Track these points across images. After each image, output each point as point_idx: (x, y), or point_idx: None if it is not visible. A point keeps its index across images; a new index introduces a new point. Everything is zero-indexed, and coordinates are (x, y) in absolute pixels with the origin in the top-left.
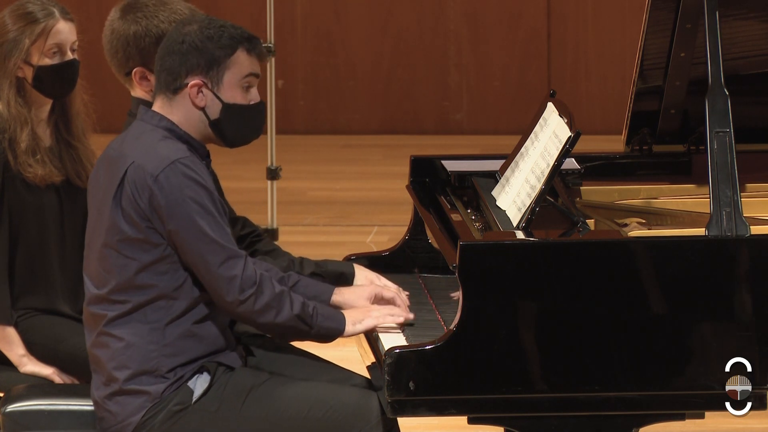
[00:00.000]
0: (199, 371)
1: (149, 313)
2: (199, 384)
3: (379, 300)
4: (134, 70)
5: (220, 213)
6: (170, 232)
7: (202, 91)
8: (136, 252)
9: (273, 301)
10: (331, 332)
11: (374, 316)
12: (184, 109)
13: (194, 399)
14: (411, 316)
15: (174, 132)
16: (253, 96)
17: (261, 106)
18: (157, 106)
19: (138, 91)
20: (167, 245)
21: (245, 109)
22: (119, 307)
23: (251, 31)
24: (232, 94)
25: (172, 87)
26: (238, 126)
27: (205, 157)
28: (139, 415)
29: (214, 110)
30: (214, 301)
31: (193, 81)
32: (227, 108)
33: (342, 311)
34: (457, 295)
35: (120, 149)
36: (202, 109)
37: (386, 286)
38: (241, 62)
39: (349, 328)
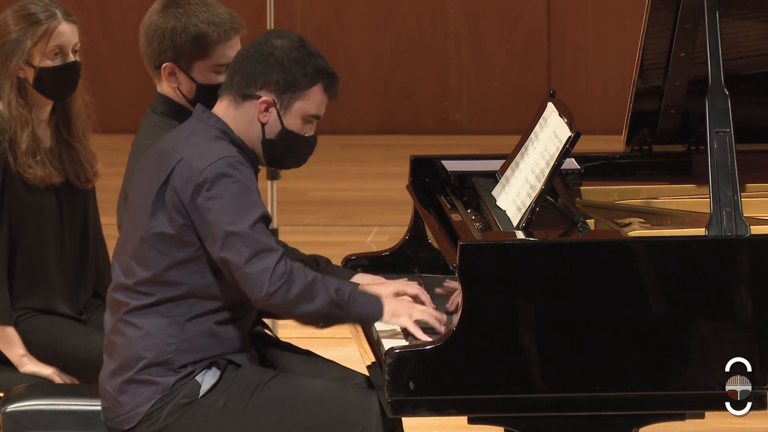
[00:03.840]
0: (209, 366)
1: (172, 308)
2: (207, 379)
3: (403, 296)
4: (164, 64)
5: (263, 216)
6: (209, 223)
7: (269, 110)
8: (169, 248)
9: (306, 288)
10: (369, 318)
11: (413, 317)
12: (248, 118)
13: (201, 393)
14: (442, 330)
15: (228, 135)
16: (309, 129)
17: (314, 141)
18: (221, 107)
19: (164, 87)
20: (200, 246)
21: (300, 139)
22: (143, 298)
23: (250, 30)
24: (294, 123)
25: (242, 92)
26: (287, 152)
27: (254, 165)
28: (148, 406)
29: (273, 131)
30: (248, 297)
31: (265, 97)
32: (285, 133)
33: (382, 298)
34: (451, 301)
35: (172, 146)
36: (263, 124)
37: (408, 282)
38: (315, 98)
39: (386, 318)
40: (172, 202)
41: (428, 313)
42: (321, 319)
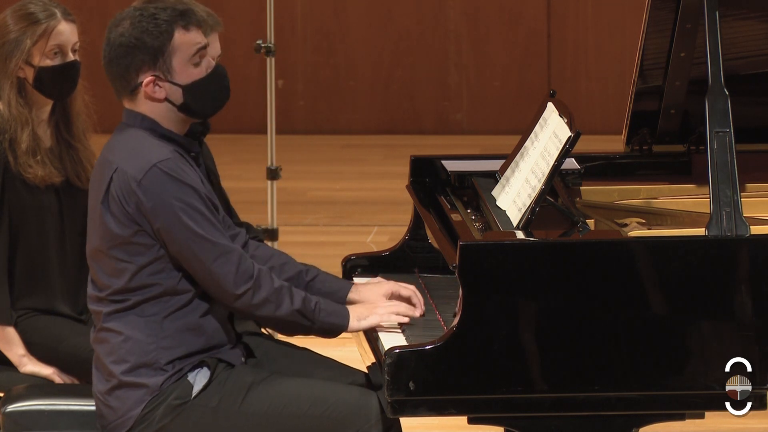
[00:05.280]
0: (199, 366)
1: (147, 308)
2: (199, 379)
3: (397, 297)
4: None
5: (209, 208)
6: (159, 232)
7: (158, 84)
8: (131, 255)
9: (271, 295)
10: (334, 328)
11: (379, 314)
12: (149, 106)
13: (194, 394)
14: (417, 314)
15: (156, 131)
16: (207, 65)
17: (219, 69)
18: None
19: None
20: (160, 246)
21: (205, 81)
22: (118, 305)
23: (250, 30)
24: (187, 74)
25: (128, 90)
26: (205, 99)
27: (194, 149)
28: (139, 409)
29: (177, 96)
30: (212, 296)
31: (146, 79)
32: (188, 89)
33: (348, 306)
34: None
35: (106, 156)
36: (165, 99)
37: (403, 284)
38: (183, 42)
39: (353, 324)
40: (120, 212)
41: (394, 309)
42: (285, 326)
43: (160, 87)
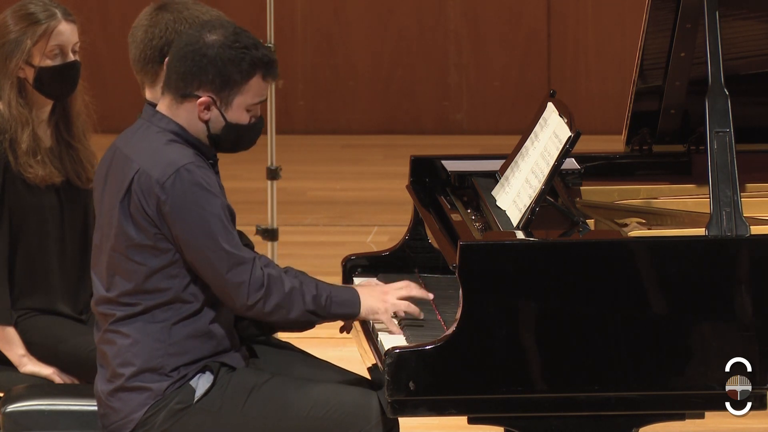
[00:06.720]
0: (202, 371)
1: (158, 314)
2: (202, 383)
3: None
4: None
5: (227, 217)
6: (177, 236)
7: (209, 108)
8: (146, 257)
9: (283, 301)
10: (346, 318)
11: (389, 314)
12: (189, 116)
13: (196, 398)
14: (422, 305)
15: (181, 136)
16: (255, 114)
17: (260, 123)
18: (164, 105)
19: (149, 94)
20: (176, 250)
21: (246, 128)
22: (129, 309)
23: (251, 31)
24: (238, 116)
25: (181, 92)
26: (234, 141)
27: (212, 157)
28: (141, 412)
29: (216, 126)
30: (224, 304)
31: (203, 97)
32: (229, 127)
33: (359, 294)
34: None
35: (126, 153)
36: (206, 122)
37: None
38: (254, 90)
39: (363, 314)
40: (139, 213)
41: (406, 293)
42: (297, 326)
43: (210, 111)
